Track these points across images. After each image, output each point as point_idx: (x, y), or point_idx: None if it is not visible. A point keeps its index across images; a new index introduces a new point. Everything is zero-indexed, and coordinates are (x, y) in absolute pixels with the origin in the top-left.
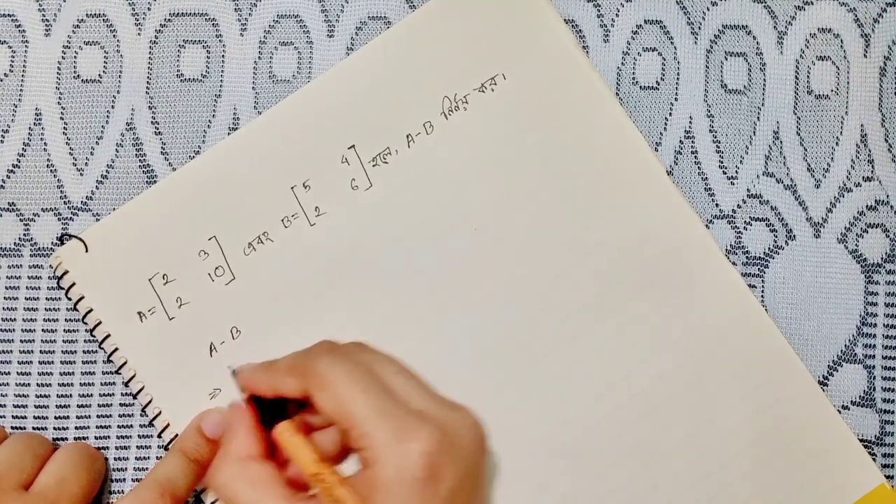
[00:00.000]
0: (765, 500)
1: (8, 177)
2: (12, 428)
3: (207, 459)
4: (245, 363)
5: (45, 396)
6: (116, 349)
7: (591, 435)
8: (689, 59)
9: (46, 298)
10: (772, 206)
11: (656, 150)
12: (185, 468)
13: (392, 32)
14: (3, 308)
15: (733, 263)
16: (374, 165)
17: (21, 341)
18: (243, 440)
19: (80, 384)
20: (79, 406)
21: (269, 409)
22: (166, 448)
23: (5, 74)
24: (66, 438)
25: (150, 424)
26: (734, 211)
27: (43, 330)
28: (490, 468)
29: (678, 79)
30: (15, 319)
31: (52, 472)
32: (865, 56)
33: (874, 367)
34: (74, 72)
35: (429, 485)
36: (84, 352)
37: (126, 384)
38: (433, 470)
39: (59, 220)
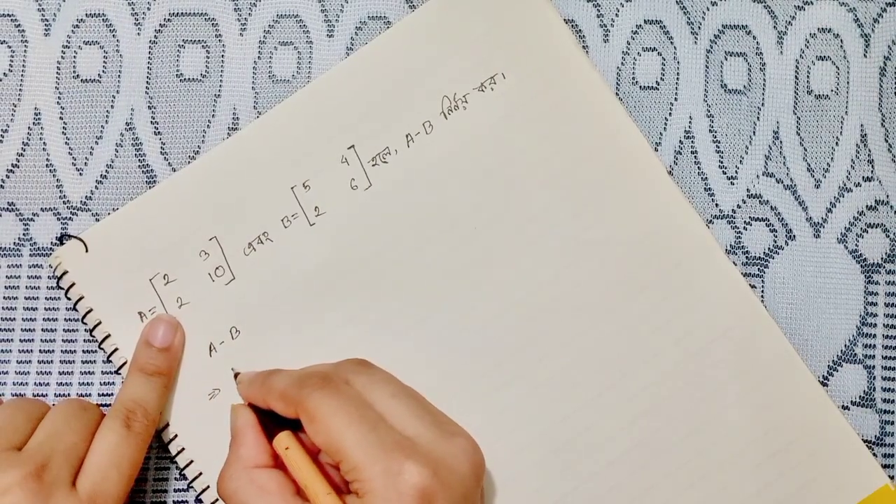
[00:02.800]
0: (765, 500)
1: (7, 176)
2: None
3: (166, 370)
4: (246, 371)
5: (44, 396)
6: (116, 349)
7: (590, 434)
8: (688, 59)
9: (46, 298)
10: (772, 206)
11: (656, 149)
12: (146, 384)
13: (392, 32)
14: (3, 308)
15: (733, 263)
16: (373, 165)
17: (20, 341)
18: (251, 447)
19: (79, 384)
20: None
21: (270, 413)
22: (166, 447)
23: (4, 74)
24: None
25: None
26: (734, 211)
27: (42, 330)
28: (486, 489)
29: (678, 79)
30: (14, 319)
31: (43, 429)
32: (865, 56)
33: (874, 367)
34: (74, 71)
35: None
36: (84, 352)
37: None
38: (426, 502)
39: (58, 219)
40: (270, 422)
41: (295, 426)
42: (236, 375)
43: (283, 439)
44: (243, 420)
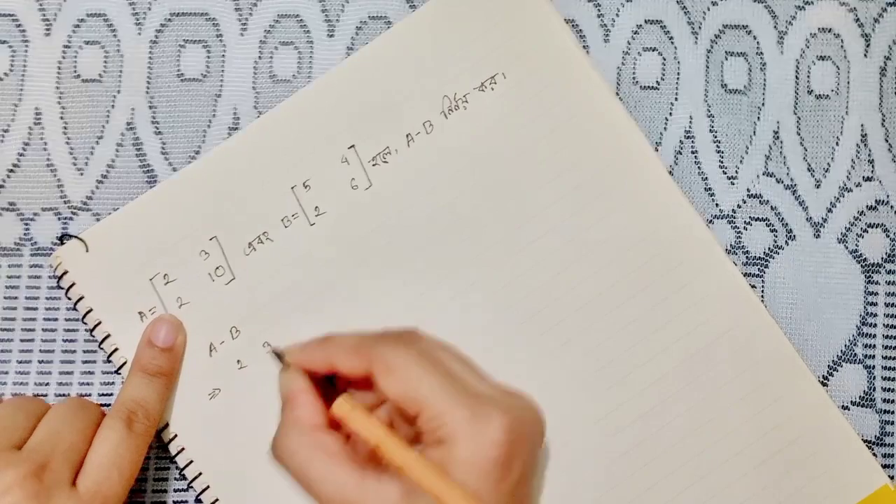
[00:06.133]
0: (765, 500)
1: (8, 176)
2: None
3: (168, 370)
4: (288, 345)
5: (44, 395)
6: (116, 349)
7: (590, 434)
8: (689, 58)
9: (46, 298)
10: (772, 206)
11: (656, 149)
12: (148, 384)
13: (392, 32)
14: (3, 307)
15: (733, 263)
16: (374, 165)
17: (21, 340)
18: (309, 408)
19: (80, 384)
20: None
21: (317, 384)
22: (165, 447)
23: (5, 74)
24: None
25: None
26: (734, 211)
27: (43, 329)
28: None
29: (678, 79)
30: (15, 319)
31: (44, 428)
32: (866, 56)
33: (874, 367)
34: (75, 71)
35: (502, 470)
36: (84, 351)
37: None
38: (508, 457)
39: (59, 219)
40: (321, 389)
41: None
42: (278, 354)
43: (345, 401)
44: (298, 384)
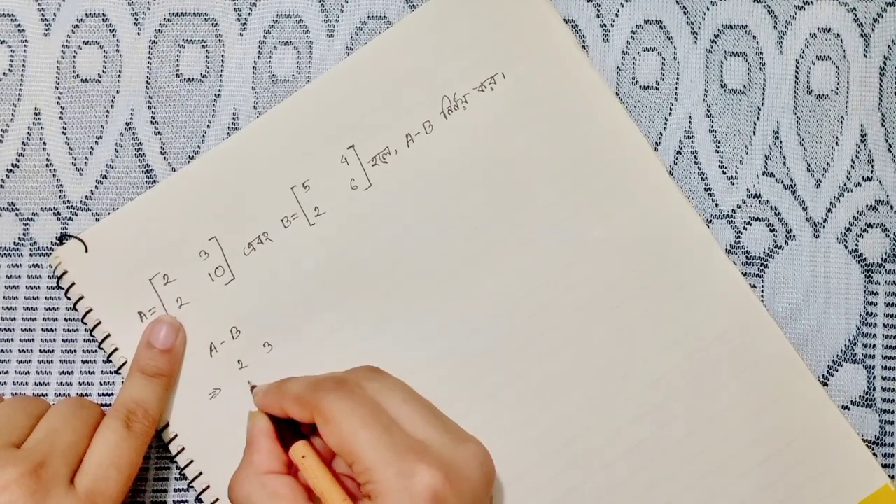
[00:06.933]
0: (765, 500)
1: (7, 176)
2: None
3: (168, 371)
4: (261, 383)
5: (44, 395)
6: (116, 349)
7: (590, 435)
8: (688, 58)
9: (46, 298)
10: (772, 206)
11: (656, 149)
12: (147, 385)
13: (392, 32)
14: (3, 308)
15: (733, 263)
16: (373, 165)
17: (20, 340)
18: (265, 454)
19: (79, 383)
20: None
21: (285, 424)
22: (166, 447)
23: (4, 74)
24: None
25: None
26: (734, 211)
27: (42, 329)
28: (494, 495)
29: (678, 79)
30: (14, 319)
31: (43, 427)
32: (865, 56)
33: (874, 366)
34: (74, 71)
35: None
36: (84, 351)
37: None
38: None
39: (58, 219)
40: (286, 432)
41: (309, 438)
42: (253, 388)
43: (300, 448)
44: (259, 427)
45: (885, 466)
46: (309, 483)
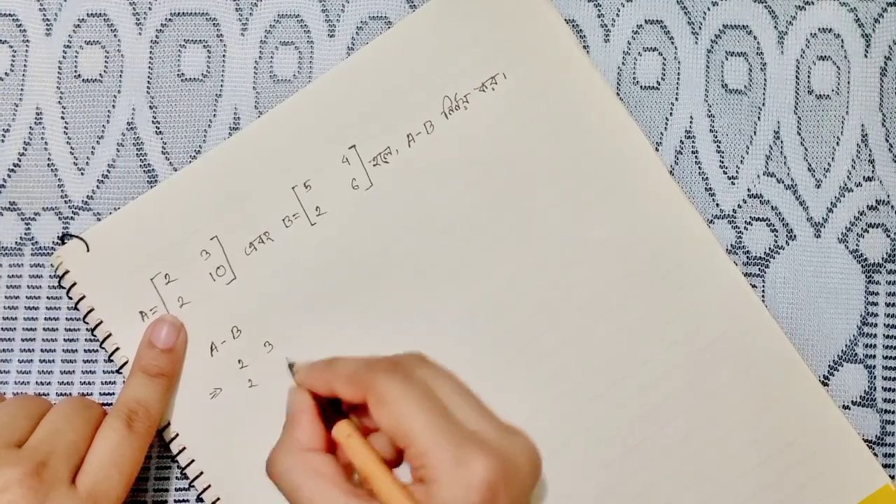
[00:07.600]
0: (765, 500)
1: (9, 176)
2: None
3: (169, 371)
4: (303, 360)
5: (45, 395)
6: (118, 349)
7: (590, 435)
8: (689, 58)
9: (47, 298)
10: (772, 206)
11: (657, 149)
12: (148, 384)
13: (392, 32)
14: (5, 307)
15: (734, 263)
16: (374, 165)
17: (22, 340)
18: (307, 430)
19: (81, 383)
20: None
21: (324, 404)
22: (167, 447)
23: (6, 74)
24: None
25: None
26: (735, 211)
27: (44, 329)
28: (538, 491)
29: (679, 79)
30: (16, 318)
31: (44, 427)
32: (866, 56)
33: (875, 366)
34: (75, 71)
35: None
36: (85, 351)
37: None
38: (491, 498)
39: (60, 219)
40: (327, 410)
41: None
42: (291, 365)
43: (345, 427)
44: (301, 403)
45: (885, 466)
46: (354, 463)
